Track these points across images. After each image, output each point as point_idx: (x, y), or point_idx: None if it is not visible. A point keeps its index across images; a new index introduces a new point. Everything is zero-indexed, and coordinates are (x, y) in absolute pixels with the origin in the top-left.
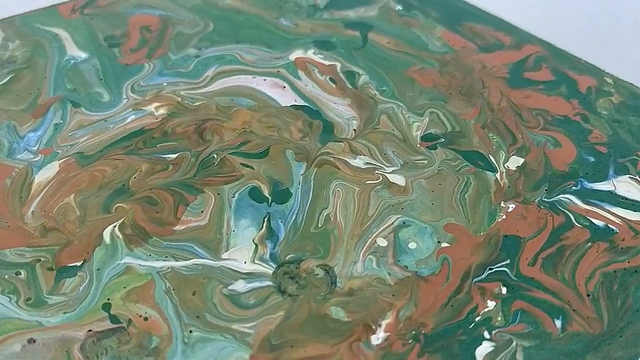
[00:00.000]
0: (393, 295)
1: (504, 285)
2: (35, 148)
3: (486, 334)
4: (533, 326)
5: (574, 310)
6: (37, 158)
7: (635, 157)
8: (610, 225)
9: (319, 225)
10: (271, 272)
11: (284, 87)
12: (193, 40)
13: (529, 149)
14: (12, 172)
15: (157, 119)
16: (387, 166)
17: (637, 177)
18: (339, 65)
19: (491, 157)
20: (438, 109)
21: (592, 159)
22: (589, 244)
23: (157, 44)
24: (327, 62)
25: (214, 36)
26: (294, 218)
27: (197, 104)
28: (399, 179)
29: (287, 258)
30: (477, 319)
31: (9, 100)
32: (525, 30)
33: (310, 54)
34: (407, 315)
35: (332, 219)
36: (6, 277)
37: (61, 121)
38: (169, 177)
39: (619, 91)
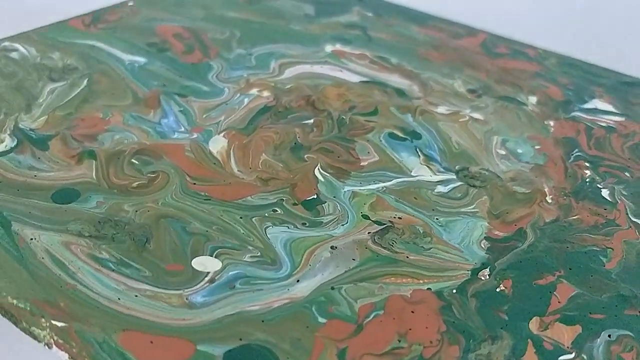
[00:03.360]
0: (535, 176)
1: (586, 162)
2: (182, 129)
3: (600, 185)
4: (617, 179)
5: (628, 167)
6: (194, 136)
7: (592, 92)
8: (610, 124)
9: (457, 147)
10: (454, 176)
11: (341, 70)
12: (233, 43)
13: (535, 92)
14: (184, 147)
15: (268, 99)
16: (463, 109)
17: (600, 101)
18: (368, 52)
19: (517, 98)
20: (461, 74)
21: (571, 93)
22: (608, 134)
23: (203, 47)
24: (357, 52)
25: (247, 39)
26: (435, 146)
27: (288, 86)
28: (477, 115)
29: (456, 168)
30: (587, 180)
31: (106, 98)
32: (465, 24)
33: (339, 47)
34: (552, 185)
35: (460, 143)
36: (266, 214)
37: (182, 109)
38: (321, 135)
39: (551, 56)
